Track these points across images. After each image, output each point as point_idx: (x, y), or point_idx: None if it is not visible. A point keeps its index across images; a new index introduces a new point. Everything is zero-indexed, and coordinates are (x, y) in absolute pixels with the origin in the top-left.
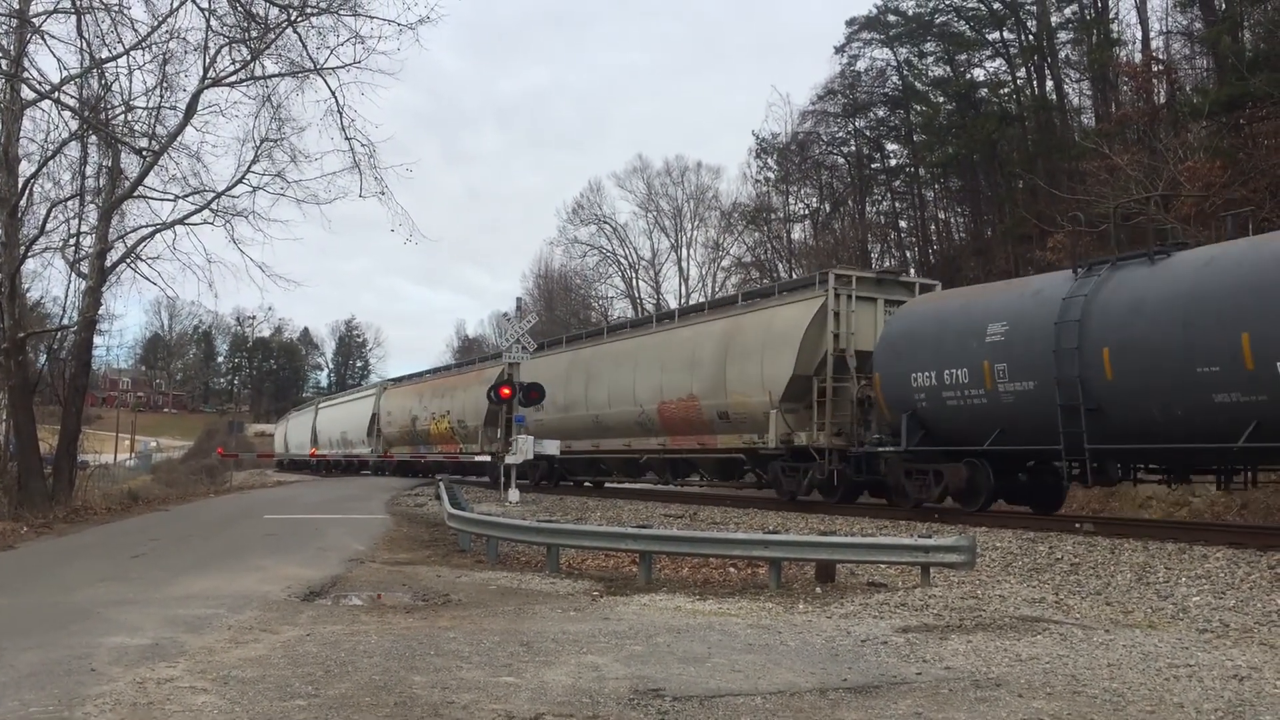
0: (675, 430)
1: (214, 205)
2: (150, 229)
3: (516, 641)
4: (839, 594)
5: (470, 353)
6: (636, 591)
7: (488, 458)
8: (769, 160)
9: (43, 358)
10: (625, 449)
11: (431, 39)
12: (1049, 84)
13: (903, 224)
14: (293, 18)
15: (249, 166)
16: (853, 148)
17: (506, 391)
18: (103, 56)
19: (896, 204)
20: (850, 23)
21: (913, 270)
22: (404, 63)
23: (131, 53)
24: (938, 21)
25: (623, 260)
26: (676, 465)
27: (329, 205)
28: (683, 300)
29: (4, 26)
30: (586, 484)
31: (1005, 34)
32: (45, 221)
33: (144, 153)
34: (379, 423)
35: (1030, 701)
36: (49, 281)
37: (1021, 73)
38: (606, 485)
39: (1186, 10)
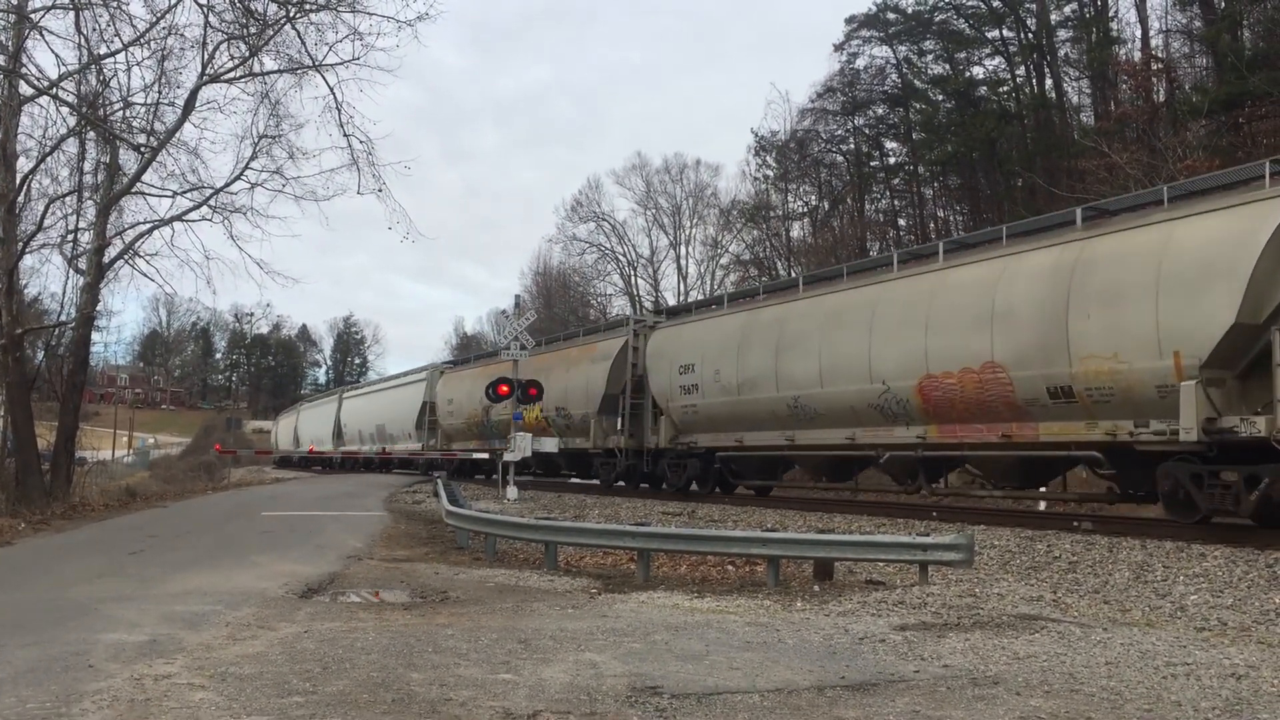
0: (948, 416)
1: (212, 202)
2: (148, 225)
3: (514, 639)
4: (837, 592)
5: (469, 349)
6: (634, 589)
7: (602, 450)
8: (768, 158)
9: (40, 354)
10: (846, 444)
11: (431, 36)
12: (1048, 82)
13: (902, 222)
14: (291, 14)
15: (247, 163)
16: (852, 145)
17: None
18: (101, 52)
19: (896, 202)
20: (850, 20)
21: None
22: (403, 60)
23: (130, 49)
24: (937, 19)
25: (621, 258)
26: (935, 466)
27: (327, 202)
28: (681, 298)
29: (2, 22)
30: (743, 489)
31: (1004, 32)
32: (43, 217)
33: (142, 149)
34: (434, 413)
35: (1028, 700)
36: (47, 278)
37: (1021, 71)
38: (774, 493)
39: (1186, 9)
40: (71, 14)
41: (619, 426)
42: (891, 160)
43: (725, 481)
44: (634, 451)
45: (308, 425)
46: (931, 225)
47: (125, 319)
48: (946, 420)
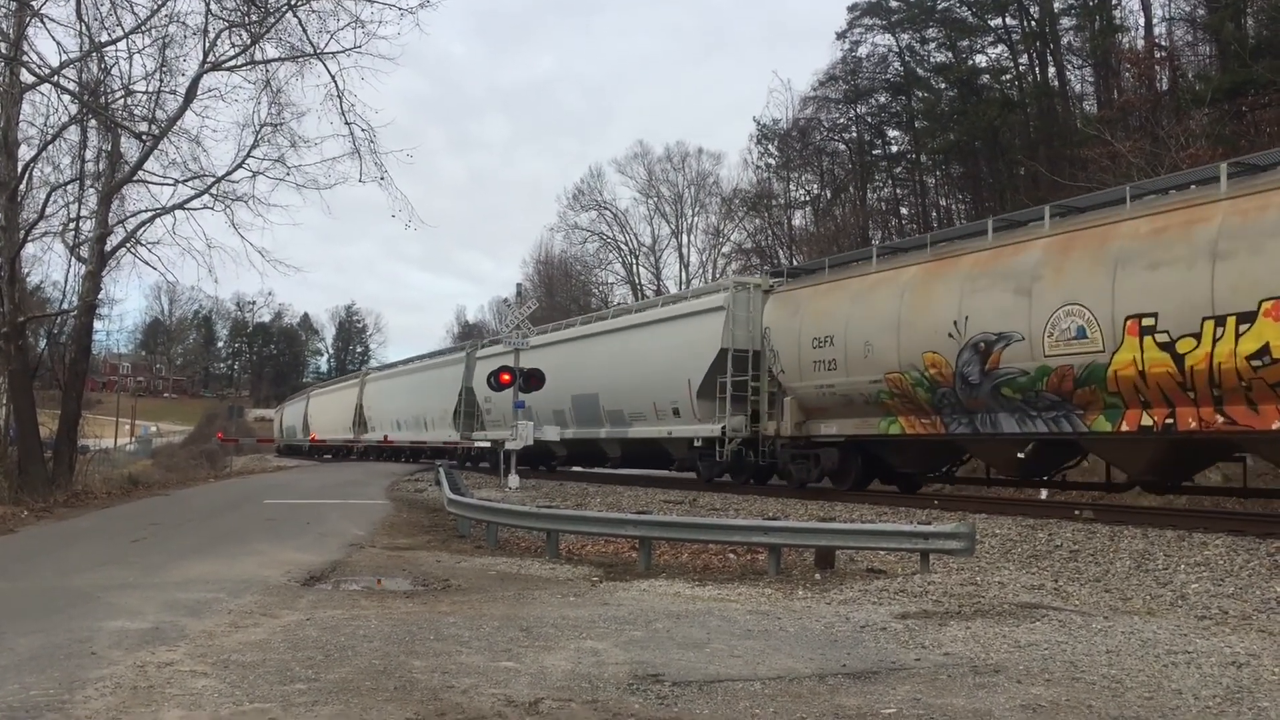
0: None
1: (214, 190)
2: (150, 213)
3: (516, 626)
4: (838, 580)
5: (469, 338)
6: (636, 577)
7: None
8: (770, 146)
9: (43, 342)
10: None
11: (437, 26)
12: (1051, 70)
13: (904, 211)
14: (293, 2)
15: (249, 151)
16: (854, 134)
17: (507, 380)
18: (102, 40)
19: (898, 190)
20: (852, 8)
21: None
22: (405, 48)
23: (131, 36)
24: (940, 7)
25: (623, 246)
26: None
27: (329, 191)
28: (682, 286)
29: (3, 10)
30: None
31: (1007, 20)
32: (45, 206)
33: (144, 137)
34: (750, 368)
35: (1029, 688)
36: (49, 266)
37: (1023, 59)
38: None
39: None
40: (72, 1)
41: None
42: (894, 149)
43: None
44: None
45: (383, 401)
46: (934, 214)
47: (127, 307)
48: None
